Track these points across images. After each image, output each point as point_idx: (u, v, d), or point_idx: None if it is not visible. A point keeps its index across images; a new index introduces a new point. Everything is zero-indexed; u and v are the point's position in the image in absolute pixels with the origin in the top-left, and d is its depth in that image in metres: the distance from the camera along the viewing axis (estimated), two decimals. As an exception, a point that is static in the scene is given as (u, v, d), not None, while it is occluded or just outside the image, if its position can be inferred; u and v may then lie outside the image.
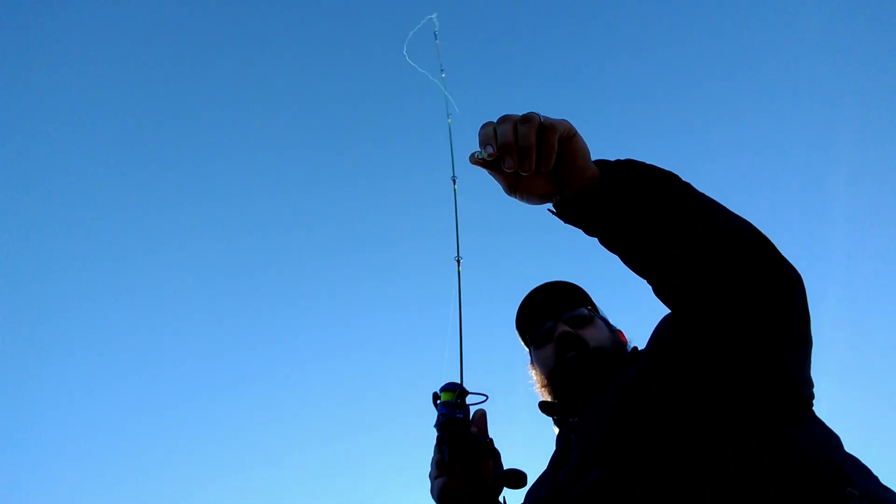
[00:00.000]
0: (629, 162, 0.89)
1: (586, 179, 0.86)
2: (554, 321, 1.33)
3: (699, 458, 0.84)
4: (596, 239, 0.92)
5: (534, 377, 1.36)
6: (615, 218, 0.87)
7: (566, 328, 1.28)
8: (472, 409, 1.11)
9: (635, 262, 0.93)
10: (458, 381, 1.19)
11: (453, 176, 1.88)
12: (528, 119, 0.79)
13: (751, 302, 0.87)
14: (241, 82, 7.04)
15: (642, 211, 0.86)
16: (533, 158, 0.78)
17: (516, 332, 1.47)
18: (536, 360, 1.35)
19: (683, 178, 0.90)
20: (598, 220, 0.88)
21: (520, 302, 1.43)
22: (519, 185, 0.86)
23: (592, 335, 1.27)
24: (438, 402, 1.11)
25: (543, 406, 1.30)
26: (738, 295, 0.87)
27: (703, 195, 0.91)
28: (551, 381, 1.26)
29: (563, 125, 0.80)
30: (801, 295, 0.90)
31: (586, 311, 1.34)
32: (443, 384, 1.15)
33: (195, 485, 6.35)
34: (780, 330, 0.89)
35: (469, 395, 1.12)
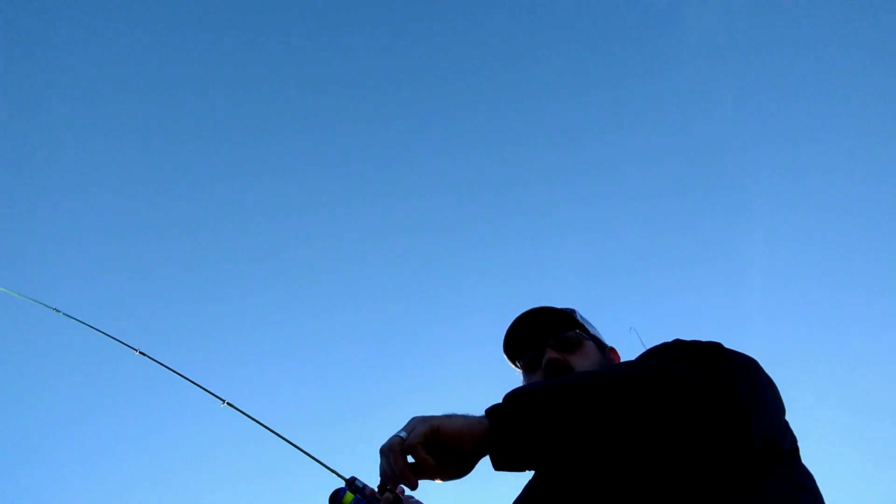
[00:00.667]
0: (508, 398, 0.92)
1: (477, 443, 0.89)
2: (541, 346, 1.34)
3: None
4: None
5: None
6: (540, 448, 0.88)
7: (554, 354, 1.30)
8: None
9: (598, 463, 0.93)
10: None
11: None
12: (390, 449, 0.88)
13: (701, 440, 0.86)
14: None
15: (546, 430, 0.87)
16: (411, 479, 0.88)
17: (504, 356, 1.48)
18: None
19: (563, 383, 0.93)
20: (528, 458, 0.90)
21: (507, 327, 1.45)
22: (436, 478, 0.92)
23: (581, 362, 1.28)
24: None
25: None
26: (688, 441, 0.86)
27: (588, 377, 0.96)
28: None
29: (424, 434, 0.87)
30: (740, 407, 0.87)
31: (574, 335, 1.35)
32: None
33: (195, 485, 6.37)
34: (741, 443, 0.87)
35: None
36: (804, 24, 6.24)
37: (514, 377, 1.47)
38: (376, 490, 1.36)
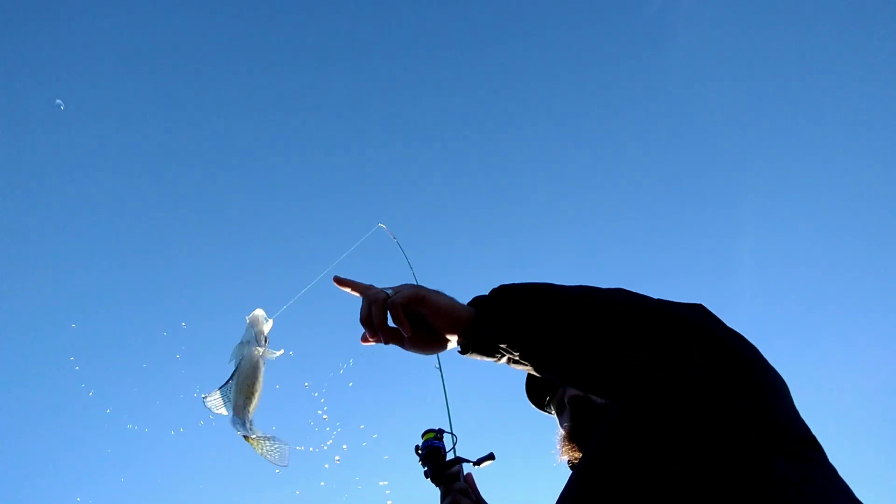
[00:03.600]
0: (498, 290, 0.96)
1: (461, 324, 0.93)
2: (562, 388, 1.37)
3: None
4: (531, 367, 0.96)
5: (559, 443, 1.38)
6: (517, 340, 0.91)
7: (573, 391, 1.33)
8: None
9: (565, 376, 0.94)
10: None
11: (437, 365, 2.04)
12: (374, 299, 0.93)
13: (666, 363, 0.84)
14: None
15: (530, 323, 0.90)
16: (385, 333, 0.93)
17: (532, 406, 1.51)
18: (561, 426, 1.39)
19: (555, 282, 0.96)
20: (499, 348, 0.93)
21: (525, 376, 1.46)
22: (405, 345, 0.96)
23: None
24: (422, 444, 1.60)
25: (571, 464, 1.33)
26: (654, 362, 0.85)
27: (569, 287, 0.95)
28: (571, 445, 1.31)
29: (408, 297, 0.91)
30: (701, 331, 0.87)
31: None
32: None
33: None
34: (710, 374, 0.84)
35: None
36: (793, 24, 6.40)
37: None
38: None
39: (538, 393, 1.48)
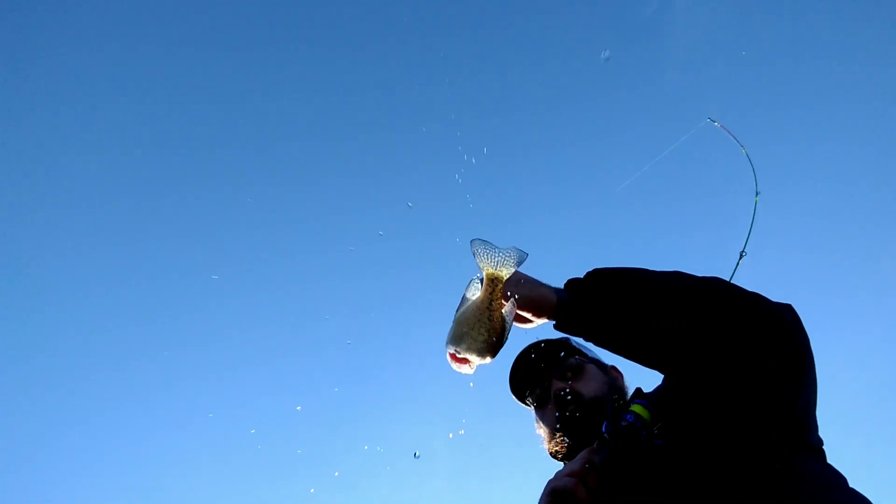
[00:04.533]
0: (592, 274, 1.07)
1: (549, 310, 1.06)
2: (547, 380, 1.37)
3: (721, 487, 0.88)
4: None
5: (542, 435, 1.40)
6: (600, 322, 1.03)
7: (560, 384, 1.32)
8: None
9: (639, 353, 1.03)
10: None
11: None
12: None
13: (741, 350, 0.93)
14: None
15: (618, 306, 1.01)
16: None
17: (513, 398, 1.49)
18: (541, 420, 1.39)
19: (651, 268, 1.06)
20: (588, 327, 1.05)
21: (509, 369, 1.46)
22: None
23: (587, 386, 1.31)
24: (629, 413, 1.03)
25: (553, 454, 1.35)
26: (729, 347, 0.94)
27: (659, 273, 1.05)
28: (557, 438, 1.31)
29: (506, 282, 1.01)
30: (782, 331, 0.95)
31: (574, 361, 1.37)
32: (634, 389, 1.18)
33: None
34: (778, 369, 0.93)
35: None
36: (788, 29, 6.42)
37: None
38: None
39: (521, 385, 1.47)
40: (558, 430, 1.30)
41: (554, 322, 1.07)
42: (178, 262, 6.77)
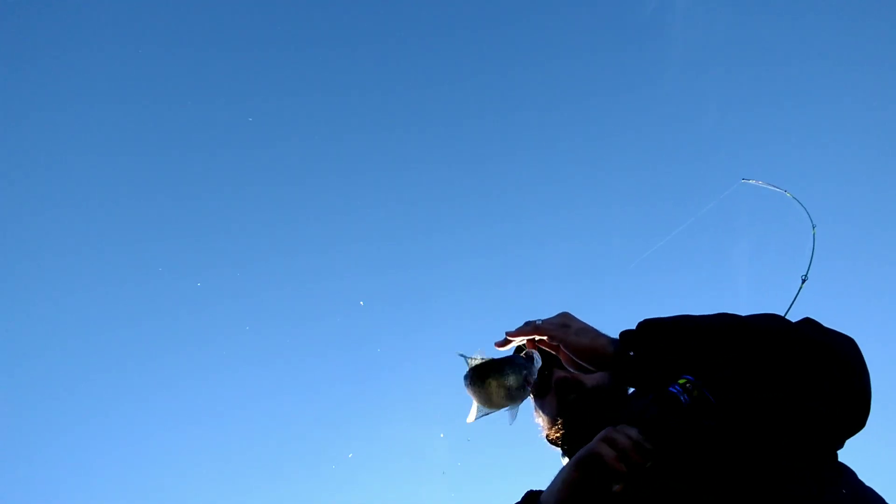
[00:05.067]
0: (643, 325, 1.08)
1: (605, 359, 1.08)
2: (549, 368, 1.36)
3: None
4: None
5: (541, 424, 1.41)
6: (661, 374, 1.00)
7: (562, 373, 1.32)
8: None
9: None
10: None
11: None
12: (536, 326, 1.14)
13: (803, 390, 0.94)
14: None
15: (678, 356, 1.01)
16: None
17: None
18: (540, 409, 1.40)
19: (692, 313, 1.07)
20: (648, 380, 1.04)
21: None
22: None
23: (588, 377, 1.31)
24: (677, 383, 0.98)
25: (552, 440, 1.36)
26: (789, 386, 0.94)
27: (711, 317, 1.05)
28: (558, 425, 1.32)
29: (557, 336, 1.10)
30: (845, 374, 0.96)
31: None
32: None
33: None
34: (840, 408, 0.95)
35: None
36: (787, 31, 6.42)
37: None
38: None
39: None
40: (559, 417, 1.32)
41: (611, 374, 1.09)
42: (178, 263, 6.77)
